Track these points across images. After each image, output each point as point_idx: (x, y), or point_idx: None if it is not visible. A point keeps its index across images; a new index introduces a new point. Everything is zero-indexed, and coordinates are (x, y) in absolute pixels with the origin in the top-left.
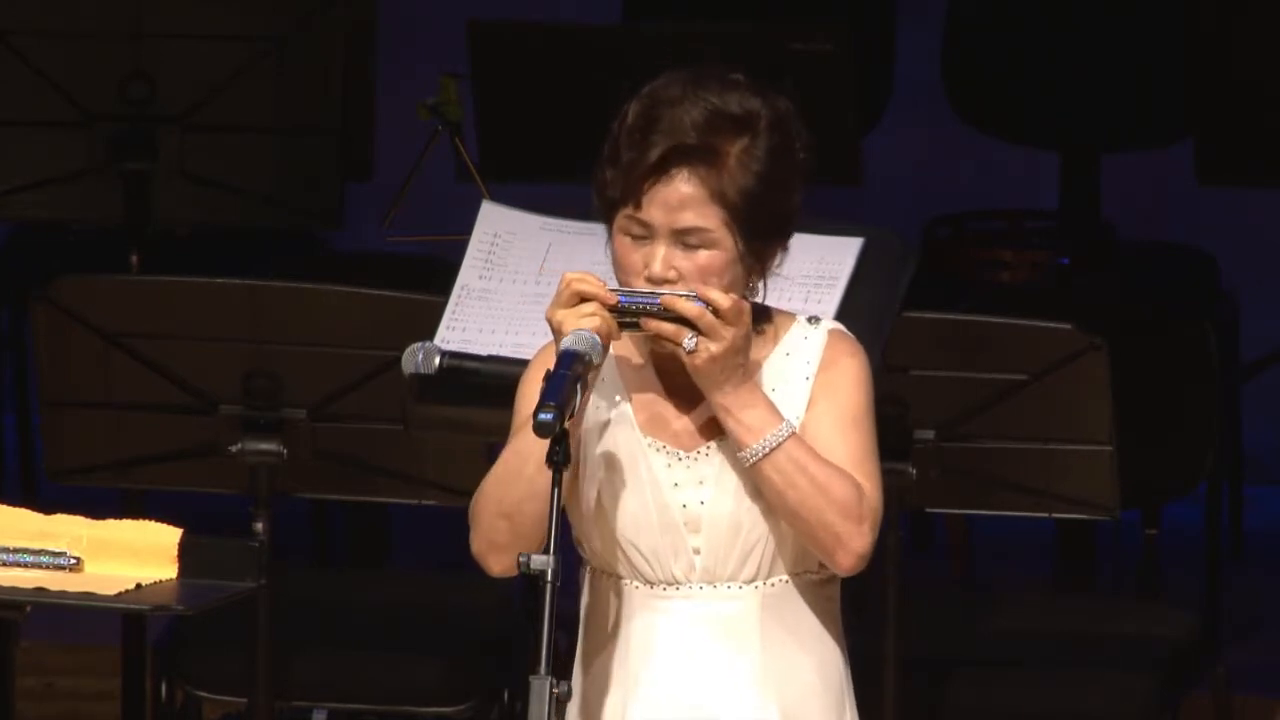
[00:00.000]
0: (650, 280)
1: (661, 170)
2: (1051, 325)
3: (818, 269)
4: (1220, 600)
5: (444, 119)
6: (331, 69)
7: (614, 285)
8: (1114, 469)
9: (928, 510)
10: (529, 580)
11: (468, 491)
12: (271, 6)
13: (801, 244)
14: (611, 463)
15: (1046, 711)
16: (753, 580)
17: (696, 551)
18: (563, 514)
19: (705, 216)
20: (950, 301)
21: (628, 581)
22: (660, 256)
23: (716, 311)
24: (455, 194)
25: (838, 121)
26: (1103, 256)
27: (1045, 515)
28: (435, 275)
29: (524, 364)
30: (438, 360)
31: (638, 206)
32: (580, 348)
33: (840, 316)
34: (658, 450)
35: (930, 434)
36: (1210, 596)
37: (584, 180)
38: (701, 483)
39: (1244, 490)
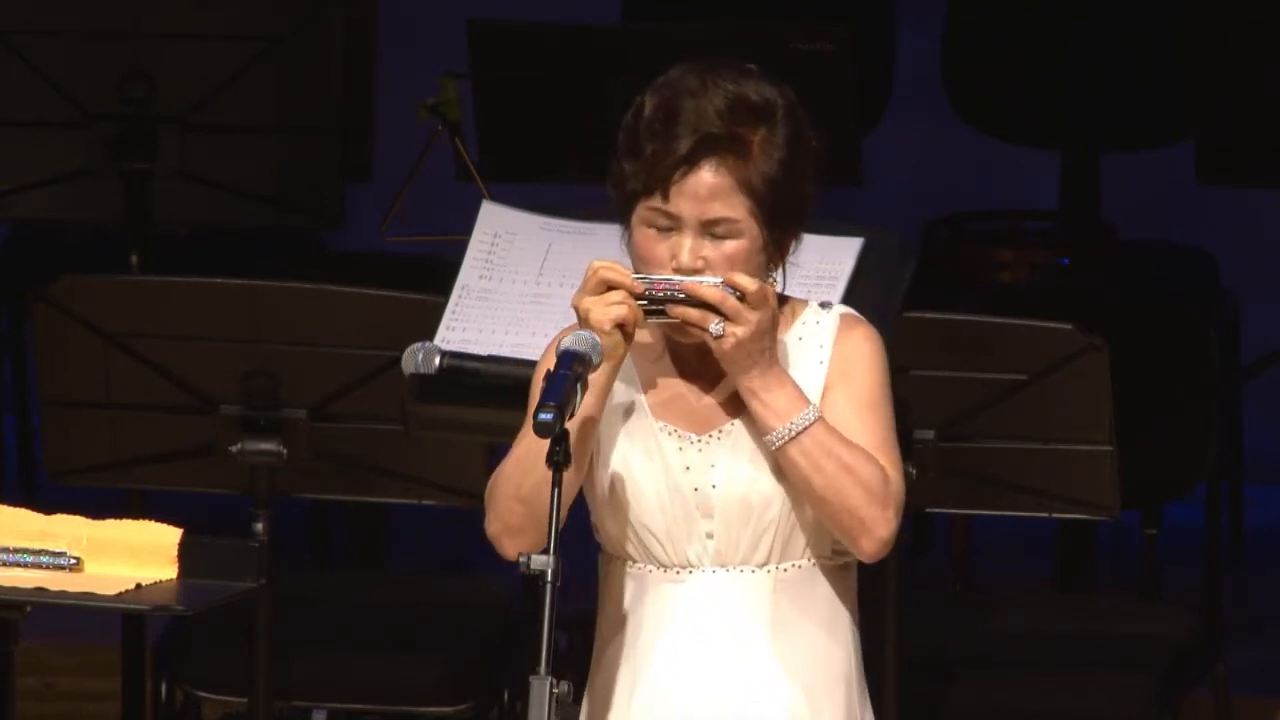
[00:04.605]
0: (679, 270)
1: (690, 161)
2: (1051, 325)
3: (818, 268)
4: (1220, 600)
5: (444, 119)
6: (331, 69)
7: (636, 274)
8: (1114, 469)
9: (928, 510)
10: (529, 580)
11: (468, 491)
12: (271, 6)
13: (802, 243)
14: (625, 447)
15: (1046, 711)
16: (765, 564)
17: (709, 535)
18: (573, 508)
19: (733, 206)
20: (950, 301)
21: (641, 565)
22: (688, 247)
23: (742, 296)
24: (455, 194)
25: (838, 121)
26: (1103, 256)
27: (1045, 515)
28: (435, 275)
29: (524, 364)
30: (438, 360)
31: (665, 198)
32: (580, 348)
33: None
34: (669, 434)
35: (930, 434)
36: (1210, 596)
37: (584, 180)
38: (714, 466)
39: (1244, 490)
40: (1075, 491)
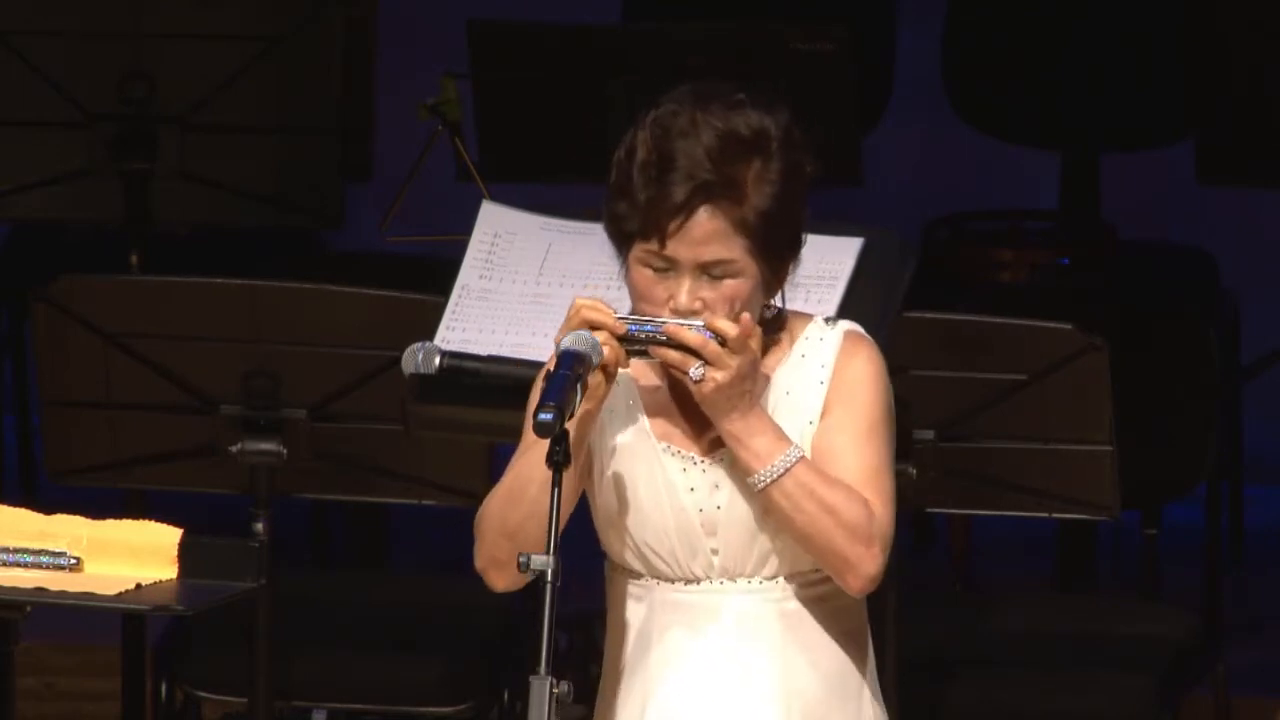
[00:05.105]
0: (676, 312)
1: (685, 209)
2: (1051, 325)
3: (818, 269)
4: (1220, 600)
5: (444, 119)
6: (331, 69)
7: (626, 308)
8: (1114, 469)
9: (928, 510)
10: (529, 580)
11: (468, 491)
12: (271, 6)
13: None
14: (627, 468)
15: (1046, 711)
16: (773, 577)
17: (714, 551)
18: (576, 511)
19: (730, 248)
20: (950, 301)
21: (647, 579)
22: (685, 289)
23: (723, 341)
24: (455, 194)
25: (838, 121)
26: (1103, 256)
27: (1045, 515)
28: (435, 275)
29: (524, 364)
30: (438, 360)
31: (661, 245)
32: (580, 348)
33: (840, 316)
34: (672, 455)
35: (930, 434)
36: (1210, 596)
37: (583, 180)
38: (718, 487)
39: (1244, 490)
40: (1075, 491)
